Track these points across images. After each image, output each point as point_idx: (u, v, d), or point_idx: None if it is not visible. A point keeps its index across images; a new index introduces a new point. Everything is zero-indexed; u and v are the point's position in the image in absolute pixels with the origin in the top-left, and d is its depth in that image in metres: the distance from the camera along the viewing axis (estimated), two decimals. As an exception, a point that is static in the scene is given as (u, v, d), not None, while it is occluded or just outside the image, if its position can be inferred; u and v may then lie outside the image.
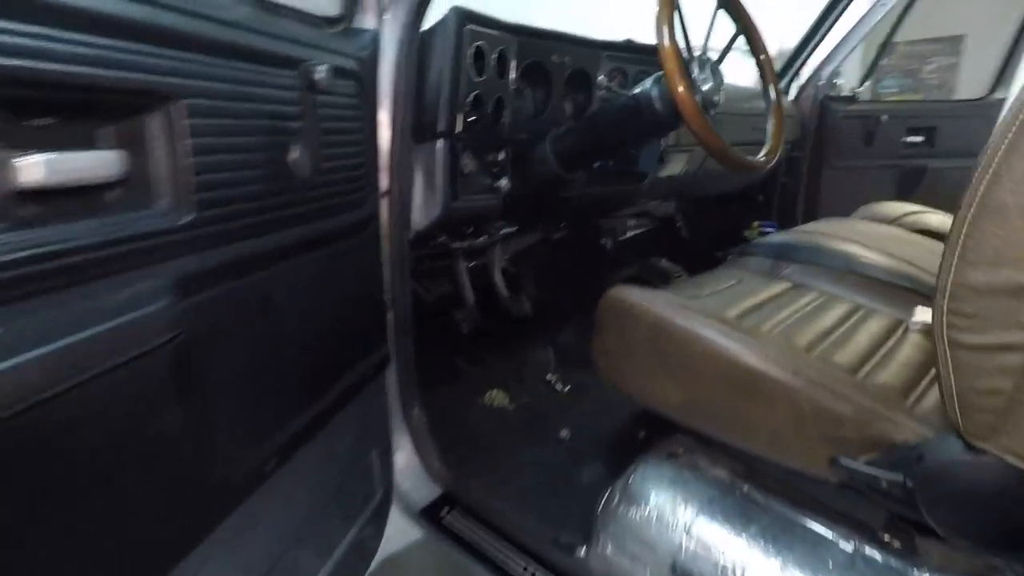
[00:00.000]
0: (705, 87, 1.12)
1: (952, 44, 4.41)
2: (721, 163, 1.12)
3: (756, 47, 1.31)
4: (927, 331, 1.17)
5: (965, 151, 2.96)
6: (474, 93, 1.24)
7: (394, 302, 1.25)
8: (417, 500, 1.29)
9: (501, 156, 1.40)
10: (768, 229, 2.55)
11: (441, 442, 1.38)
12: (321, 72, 0.73)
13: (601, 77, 1.27)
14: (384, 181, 1.11)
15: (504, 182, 1.40)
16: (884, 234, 1.72)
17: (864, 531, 0.92)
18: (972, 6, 4.11)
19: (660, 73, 1.26)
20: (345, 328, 1.04)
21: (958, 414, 0.69)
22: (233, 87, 0.68)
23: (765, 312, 1.18)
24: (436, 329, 1.76)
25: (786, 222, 2.72)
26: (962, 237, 0.64)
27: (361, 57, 0.95)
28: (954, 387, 0.68)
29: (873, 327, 1.18)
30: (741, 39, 1.31)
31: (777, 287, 1.35)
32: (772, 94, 1.33)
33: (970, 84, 4.50)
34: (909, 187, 2.86)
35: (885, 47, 2.82)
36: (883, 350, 1.06)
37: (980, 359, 0.65)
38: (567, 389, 1.78)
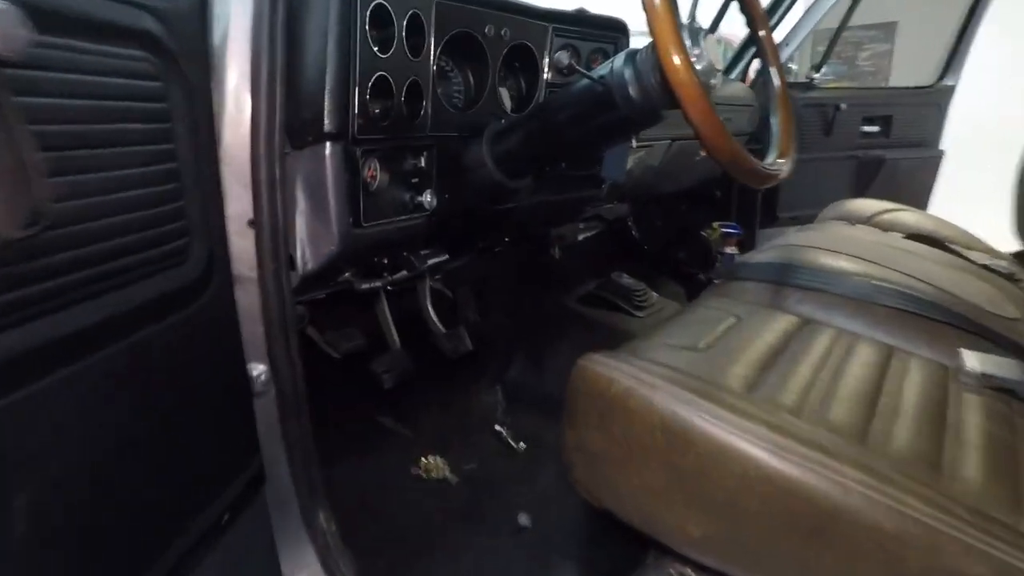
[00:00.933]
0: (700, 65, 0.80)
1: (886, 31, 4.35)
2: (731, 171, 0.80)
3: (755, 17, 1.00)
4: (991, 386, 0.90)
5: (918, 140, 2.83)
6: (377, 75, 0.87)
7: (275, 378, 0.87)
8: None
9: (422, 162, 1.03)
10: (730, 231, 2.30)
11: (359, 548, 1.01)
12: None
13: (558, 54, 0.92)
14: (238, 207, 0.72)
15: (428, 197, 1.03)
16: (880, 244, 1.47)
17: None
18: (903, -9, 4.07)
19: (633, 49, 0.92)
20: (181, 449, 0.66)
21: None
22: None
23: (782, 369, 0.87)
24: (352, 386, 1.38)
25: (745, 221, 2.49)
26: None
27: (164, 9, 0.56)
28: None
29: (918, 381, 0.90)
30: (735, 6, 0.99)
31: (783, 323, 1.06)
32: (775, 79, 1.03)
33: (902, 71, 4.47)
34: (867, 180, 2.69)
35: (842, 29, 2.63)
36: (951, 431, 0.77)
37: None
38: (521, 445, 1.44)
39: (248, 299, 0.84)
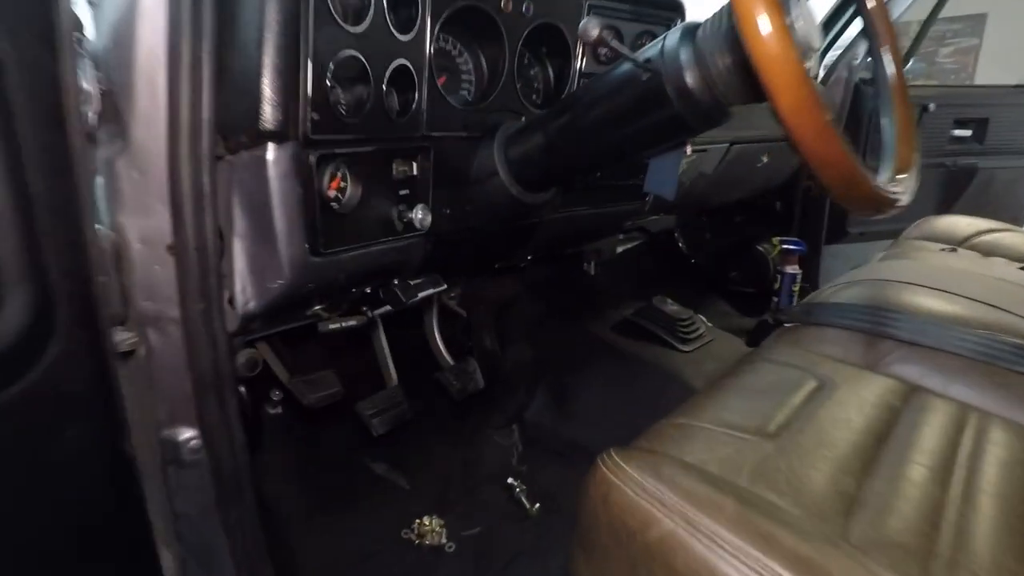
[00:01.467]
0: (802, 33, 0.54)
1: (974, 24, 3.90)
2: (839, 193, 0.55)
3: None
4: None
5: (1019, 148, 2.45)
6: (344, 55, 0.65)
7: (208, 446, 0.67)
8: None
9: (414, 169, 0.81)
10: (792, 248, 2.00)
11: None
12: None
13: (594, 29, 0.67)
14: (153, 227, 0.52)
15: (420, 214, 0.81)
16: (994, 279, 1.17)
17: None
18: (995, -20, 3.63)
19: (691, 23, 0.68)
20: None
21: None
22: None
23: (890, 472, 0.62)
24: (339, 427, 1.17)
25: (809, 236, 2.19)
26: None
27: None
28: None
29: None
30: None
31: (881, 391, 0.79)
32: (889, 67, 0.77)
33: (990, 69, 4.01)
34: (955, 192, 2.34)
35: (932, 20, 2.28)
36: None
37: None
38: (536, 507, 1.21)
39: (169, 346, 0.64)
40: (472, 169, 0.88)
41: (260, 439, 0.97)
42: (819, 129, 0.49)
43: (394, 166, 0.78)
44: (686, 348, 1.43)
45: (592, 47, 0.93)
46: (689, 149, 0.88)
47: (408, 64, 0.74)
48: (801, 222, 2.28)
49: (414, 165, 0.81)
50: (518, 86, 0.93)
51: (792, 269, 1.99)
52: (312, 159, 0.64)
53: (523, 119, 0.94)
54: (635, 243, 2.18)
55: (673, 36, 0.67)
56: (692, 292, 2.25)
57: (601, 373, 1.45)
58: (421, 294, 0.85)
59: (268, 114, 0.59)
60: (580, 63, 1.01)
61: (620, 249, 2.08)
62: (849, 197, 0.54)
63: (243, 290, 0.68)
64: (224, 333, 0.67)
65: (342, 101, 0.68)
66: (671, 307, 1.49)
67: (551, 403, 1.45)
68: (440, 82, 0.86)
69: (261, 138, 0.61)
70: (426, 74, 0.78)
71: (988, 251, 1.59)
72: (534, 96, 1.02)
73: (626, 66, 0.72)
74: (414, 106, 0.77)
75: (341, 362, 1.14)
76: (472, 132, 0.88)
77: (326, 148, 0.66)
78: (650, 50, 0.69)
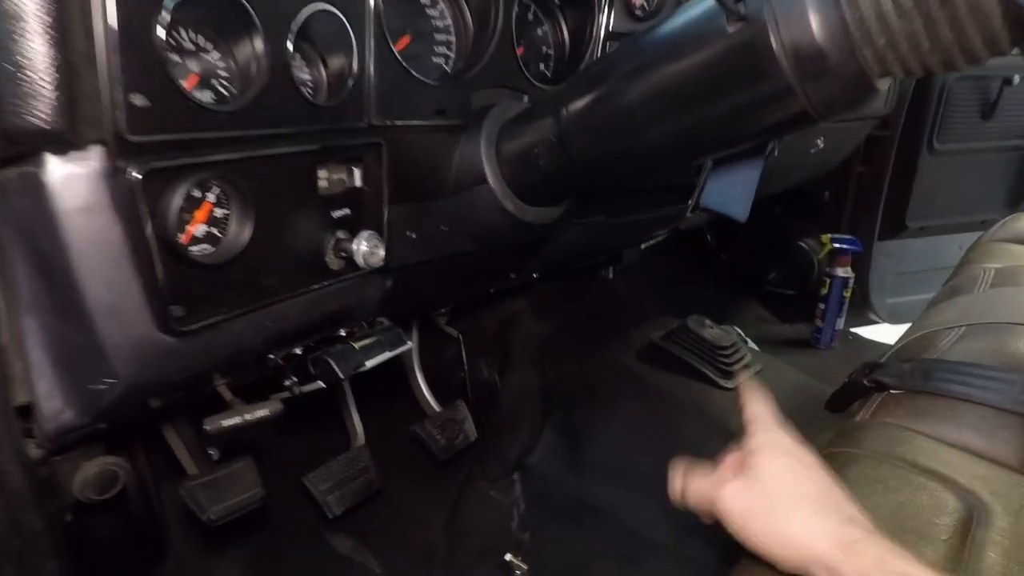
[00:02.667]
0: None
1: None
2: None
3: None
4: None
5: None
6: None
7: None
8: None
9: (356, 179, 0.53)
10: (845, 247, 1.71)
11: None
12: None
13: None
14: None
15: (366, 246, 0.52)
16: None
17: None
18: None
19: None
20: None
21: None
22: None
23: None
24: (295, 500, 0.90)
25: (860, 232, 1.89)
26: None
27: None
28: None
29: None
30: None
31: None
32: None
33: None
34: (1034, 180, 2.03)
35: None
36: None
37: None
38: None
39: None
40: (449, 174, 0.60)
41: (163, 550, 0.71)
42: None
43: (321, 176, 0.50)
44: (729, 384, 1.15)
45: (635, 9, 0.63)
46: (776, 151, 0.59)
47: (336, 11, 0.45)
48: (852, 214, 1.98)
49: (355, 172, 0.52)
50: (518, 51, 0.64)
51: (844, 272, 1.71)
52: (133, 176, 0.35)
53: (525, 99, 0.65)
54: (659, 238, 1.89)
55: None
56: (724, 294, 1.96)
57: (622, 411, 1.18)
58: (370, 362, 0.57)
59: (17, 95, 0.31)
60: (607, 18, 0.71)
61: (643, 245, 1.79)
62: None
63: (48, 394, 0.40)
64: (19, 465, 0.40)
65: (208, 71, 0.39)
66: (710, 330, 1.21)
67: (560, 448, 1.18)
68: (400, 45, 0.57)
69: (19, 142, 0.32)
70: (370, 31, 0.49)
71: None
72: (541, 66, 0.73)
73: (695, 11, 0.43)
74: (350, 82, 0.48)
75: (287, 414, 0.86)
76: (450, 119, 0.59)
77: (168, 156, 0.37)
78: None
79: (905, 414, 0.67)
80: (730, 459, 0.52)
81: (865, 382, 0.73)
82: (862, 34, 0.36)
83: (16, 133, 0.31)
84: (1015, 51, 0.33)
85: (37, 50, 0.30)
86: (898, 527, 0.51)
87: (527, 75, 0.65)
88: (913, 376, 0.69)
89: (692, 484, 0.51)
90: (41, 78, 0.30)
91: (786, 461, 0.47)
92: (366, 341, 0.58)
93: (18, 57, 0.30)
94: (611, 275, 1.58)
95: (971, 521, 0.52)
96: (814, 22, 0.36)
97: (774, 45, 0.38)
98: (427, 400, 1.06)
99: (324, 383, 0.57)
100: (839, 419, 0.78)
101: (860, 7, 0.35)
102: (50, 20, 0.30)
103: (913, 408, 0.67)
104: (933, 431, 0.64)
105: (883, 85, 0.40)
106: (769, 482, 0.45)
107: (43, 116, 0.31)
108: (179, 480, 0.65)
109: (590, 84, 0.52)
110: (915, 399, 0.68)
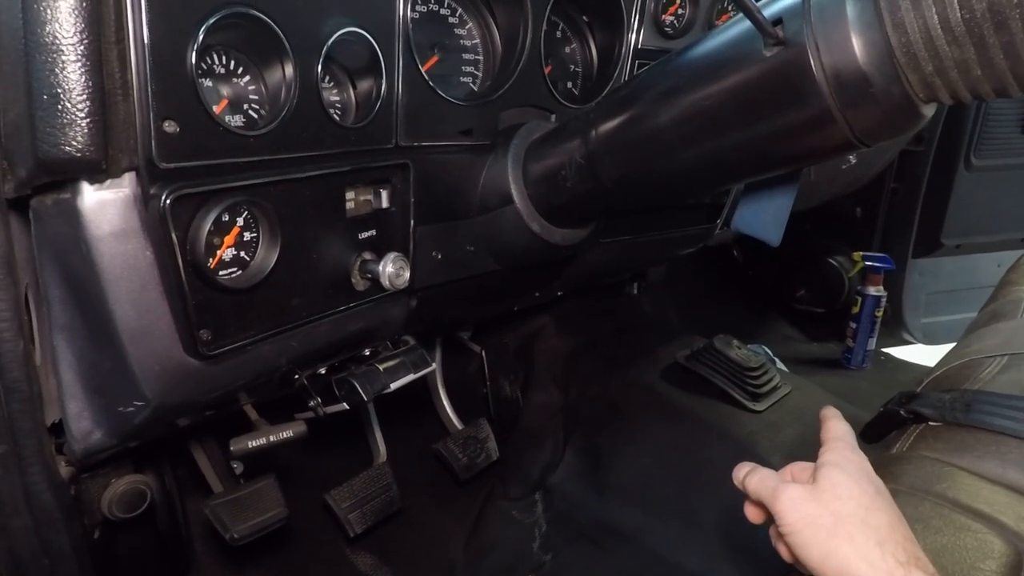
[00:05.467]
0: None
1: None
2: None
3: None
4: None
5: None
6: (231, 12, 0.36)
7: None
8: None
9: (383, 200, 0.53)
10: (877, 265, 1.66)
11: None
12: None
13: None
14: None
15: (392, 267, 0.52)
16: None
17: None
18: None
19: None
20: None
21: None
22: None
23: None
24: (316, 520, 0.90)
25: (893, 249, 1.84)
26: None
27: None
28: None
29: None
30: None
31: None
32: None
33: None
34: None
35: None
36: None
37: None
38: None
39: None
40: (475, 194, 0.60)
41: (187, 565, 0.71)
42: None
43: (348, 197, 0.50)
44: (758, 407, 1.12)
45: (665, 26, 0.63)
46: (812, 174, 0.58)
47: (365, 34, 0.45)
48: (884, 231, 1.93)
49: (383, 194, 0.52)
50: (546, 70, 0.63)
51: (876, 291, 1.66)
52: (164, 202, 0.35)
53: (553, 118, 0.64)
54: (685, 252, 1.86)
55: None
56: (751, 311, 1.93)
57: (646, 433, 1.15)
58: (394, 384, 0.57)
59: (53, 125, 0.31)
60: (636, 35, 0.70)
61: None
62: None
63: (78, 415, 0.40)
64: (49, 484, 0.40)
65: (239, 96, 0.40)
66: (738, 351, 1.18)
67: (583, 467, 1.16)
68: (428, 65, 0.57)
69: (56, 171, 0.33)
70: (399, 51, 0.49)
71: None
72: (569, 84, 0.72)
73: (730, 32, 0.42)
74: (378, 104, 0.48)
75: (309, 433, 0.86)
76: (477, 139, 0.59)
77: (198, 181, 0.37)
78: (780, 2, 0.38)
79: (945, 448, 0.64)
80: (797, 467, 0.50)
81: (902, 412, 0.70)
82: (908, 60, 0.34)
83: (52, 162, 0.32)
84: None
85: (73, 80, 0.30)
86: (941, 571, 0.48)
87: (555, 94, 0.65)
88: (954, 408, 0.66)
89: (758, 474, 0.49)
90: (77, 107, 0.31)
91: (860, 484, 0.45)
92: (390, 363, 0.58)
93: (55, 88, 0.30)
94: (635, 291, 1.56)
95: (1020, 566, 0.49)
96: (857, 47, 0.35)
97: (814, 70, 0.37)
98: (449, 417, 1.06)
99: (348, 405, 0.56)
100: (874, 447, 0.75)
101: (908, 31, 0.34)
102: (85, 50, 0.30)
103: (953, 441, 0.64)
104: (975, 467, 0.61)
105: (929, 111, 0.38)
106: (839, 499, 0.44)
107: (78, 145, 0.31)
108: (204, 496, 0.65)
109: (620, 106, 0.51)
110: (955, 432, 0.65)
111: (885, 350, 1.80)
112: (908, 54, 0.34)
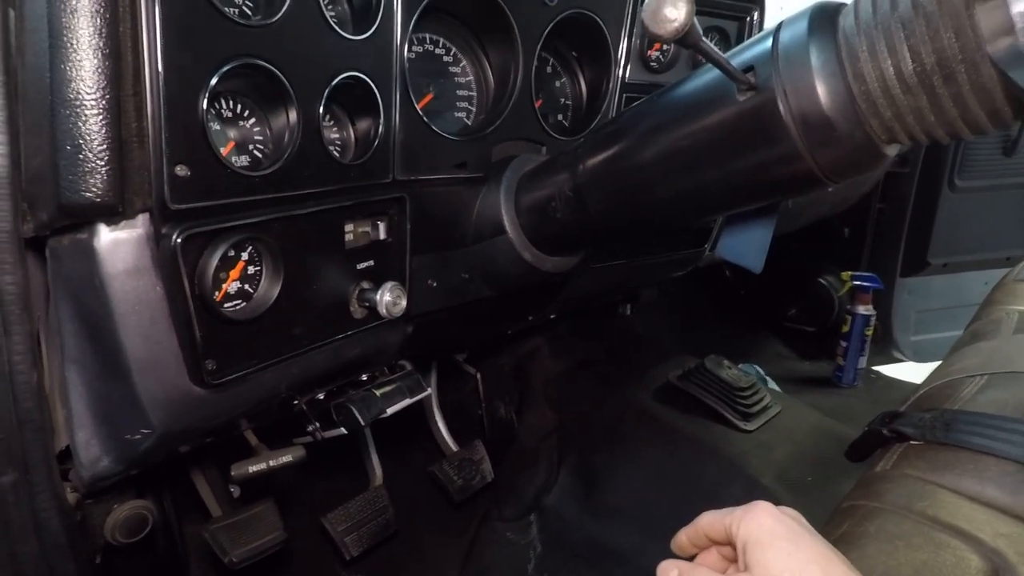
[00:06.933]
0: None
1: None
2: None
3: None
4: None
5: None
6: (241, 63, 0.39)
7: None
8: None
9: (380, 232, 0.55)
10: (866, 284, 1.69)
11: None
12: None
13: (679, 10, 0.39)
14: None
15: (388, 296, 0.54)
16: None
17: None
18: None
19: (823, 4, 0.40)
20: None
21: None
22: None
23: None
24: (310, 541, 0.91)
25: (881, 268, 1.87)
26: None
27: None
28: None
29: None
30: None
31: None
32: None
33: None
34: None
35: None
36: None
37: None
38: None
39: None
40: (470, 224, 0.62)
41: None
42: None
43: (347, 230, 0.52)
44: (749, 427, 1.14)
45: (651, 62, 0.66)
46: (791, 203, 0.61)
47: (364, 77, 0.48)
48: (872, 250, 1.96)
49: (380, 226, 0.54)
50: (537, 104, 0.66)
51: (865, 309, 1.69)
52: (175, 241, 0.38)
53: (543, 150, 0.67)
54: (675, 274, 1.89)
55: (795, 28, 0.39)
56: (743, 330, 1.95)
57: (639, 453, 1.17)
58: (391, 409, 0.59)
59: (74, 173, 0.33)
60: (623, 71, 0.73)
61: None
62: None
63: (87, 443, 0.42)
64: (57, 510, 0.41)
65: (245, 138, 0.42)
66: (728, 371, 1.20)
67: (577, 489, 1.17)
68: (423, 102, 0.60)
69: (76, 214, 0.35)
70: (396, 90, 0.52)
71: None
72: (559, 117, 0.75)
73: (708, 76, 0.44)
74: (376, 141, 0.51)
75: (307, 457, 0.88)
76: (471, 171, 0.61)
77: (206, 220, 0.40)
78: (751, 50, 0.41)
79: (927, 466, 0.66)
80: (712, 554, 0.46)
81: (885, 432, 0.72)
82: (868, 106, 0.37)
83: (74, 207, 0.34)
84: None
85: (94, 131, 0.33)
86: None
87: (545, 127, 0.68)
88: (934, 427, 0.69)
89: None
90: (97, 156, 0.33)
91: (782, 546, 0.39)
92: (387, 388, 0.60)
93: (77, 139, 0.32)
94: (628, 312, 1.58)
95: (996, 579, 0.51)
96: (822, 93, 0.38)
97: (783, 114, 0.39)
98: (445, 439, 1.07)
99: (346, 430, 0.58)
100: (861, 465, 0.76)
101: (867, 81, 0.36)
102: (107, 104, 0.33)
103: (935, 460, 0.66)
104: (955, 485, 0.63)
105: (891, 151, 0.41)
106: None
107: (98, 190, 0.34)
108: (202, 520, 0.66)
109: (605, 141, 0.54)
110: (937, 451, 0.67)
111: (876, 368, 1.82)
112: (868, 101, 0.37)
